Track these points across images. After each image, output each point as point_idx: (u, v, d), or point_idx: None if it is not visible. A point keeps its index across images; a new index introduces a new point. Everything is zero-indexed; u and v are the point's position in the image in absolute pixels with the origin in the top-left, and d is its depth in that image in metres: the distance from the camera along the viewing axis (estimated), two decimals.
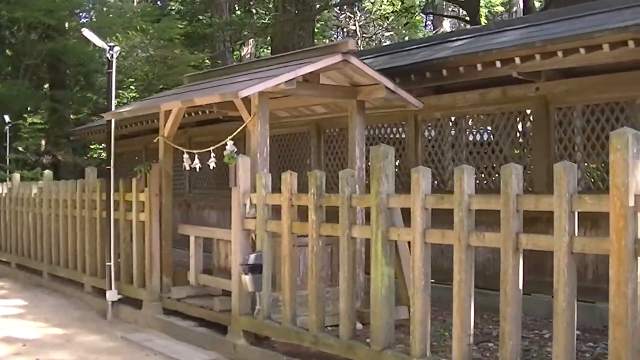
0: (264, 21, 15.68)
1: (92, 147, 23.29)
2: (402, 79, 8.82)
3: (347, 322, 6.33)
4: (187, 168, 8.94)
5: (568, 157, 8.37)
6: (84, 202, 10.78)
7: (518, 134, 8.92)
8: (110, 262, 9.54)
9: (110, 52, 9.48)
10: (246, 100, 7.90)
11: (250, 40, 23.47)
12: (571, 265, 4.69)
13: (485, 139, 9.28)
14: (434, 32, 25.40)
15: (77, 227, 11.07)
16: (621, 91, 7.79)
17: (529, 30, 8.70)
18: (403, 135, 10.43)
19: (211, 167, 8.54)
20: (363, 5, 25.30)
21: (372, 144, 10.84)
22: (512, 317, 5.01)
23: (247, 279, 7.23)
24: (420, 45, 10.29)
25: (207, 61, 23.21)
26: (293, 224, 6.95)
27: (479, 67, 8.35)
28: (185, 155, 8.90)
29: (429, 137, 10.06)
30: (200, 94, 7.94)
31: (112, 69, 9.52)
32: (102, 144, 22.68)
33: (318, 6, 16.05)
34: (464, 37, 9.61)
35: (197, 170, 9.01)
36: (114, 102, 9.65)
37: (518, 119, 8.90)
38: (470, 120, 9.44)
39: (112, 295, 9.53)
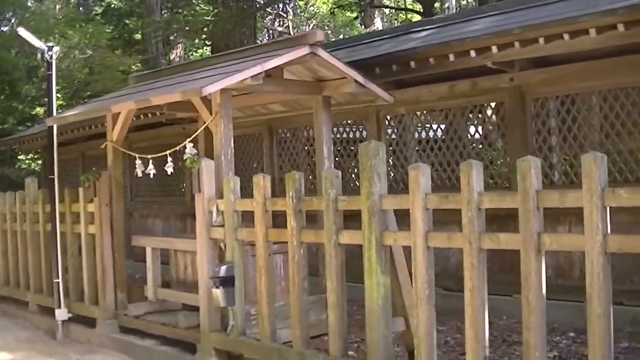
0: (203, 19, 14.96)
1: (19, 157, 22.06)
2: (365, 73, 8.28)
3: (337, 339, 5.74)
4: (140, 175, 8.21)
5: (547, 150, 8.00)
6: (25, 215, 9.90)
7: (491, 127, 8.49)
8: (58, 278, 8.73)
9: (49, 52, 8.68)
10: (205, 99, 7.25)
11: (179, 44, 22.67)
12: (606, 267, 4.22)
13: (455, 133, 8.83)
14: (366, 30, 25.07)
15: (18, 242, 10.19)
16: (604, 79, 7.44)
17: (499, 19, 8.31)
18: (364, 134, 9.91)
19: (169, 173, 7.84)
20: (295, 4, 24.76)
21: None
22: (537, 326, 4.51)
23: (218, 292, 6.58)
24: (382, 38, 9.80)
25: (138, 65, 22.28)
26: (269, 232, 6.34)
27: (451, 57, 7.89)
28: (138, 161, 8.17)
29: (393, 135, 9.56)
30: (157, 93, 7.24)
31: (51, 70, 8.71)
32: (31, 154, 21.50)
33: (262, 1, 15.44)
34: (429, 27, 9.16)
35: (140, 176, 8.30)
36: (54, 106, 8.83)
37: (491, 111, 8.48)
38: (438, 114, 8.97)
39: (61, 314, 8.73)
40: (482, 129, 8.61)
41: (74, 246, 9.06)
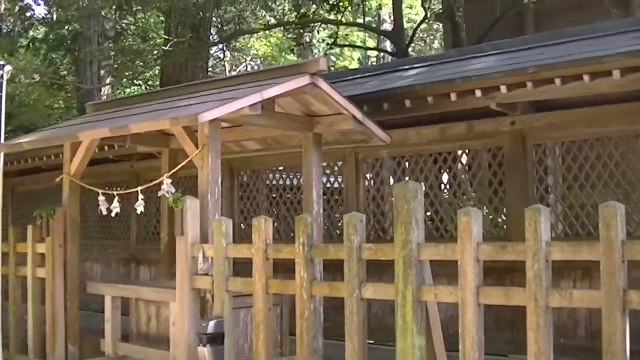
0: (154, 49, 14.01)
1: None
2: None
3: None
4: (104, 213, 7.26)
5: (550, 200, 7.47)
6: None
7: (487, 175, 7.92)
8: None
9: (0, 71, 7.67)
10: (189, 130, 6.44)
11: (107, 84, 21.57)
12: None
13: (444, 180, 8.23)
14: None
15: None
16: (617, 124, 6.99)
17: (501, 58, 7.79)
18: (339, 177, 9.21)
19: (138, 212, 6.92)
20: (233, 45, 24.02)
21: (298, 188, 9.59)
22: None
23: (206, 352, 5.68)
24: (366, 75, 9.17)
25: (68, 101, 21.04)
26: (269, 283, 5.51)
27: (453, 96, 7.30)
28: (101, 198, 7.22)
29: (373, 180, 8.88)
30: (137, 120, 6.34)
31: (1, 91, 7.69)
32: None
33: (217, 37, 14.67)
34: (419, 65, 8.58)
35: (104, 214, 7.37)
36: (2, 131, 7.78)
37: (486, 157, 7.91)
38: (425, 159, 8.34)
39: None
40: (477, 175, 8.03)
41: (17, 292, 7.97)
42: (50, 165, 11.66)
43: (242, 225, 10.07)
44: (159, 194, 6.69)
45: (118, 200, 7.07)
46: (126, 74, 19.95)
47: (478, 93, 7.18)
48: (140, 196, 6.81)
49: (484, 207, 7.92)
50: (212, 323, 5.70)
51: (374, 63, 25.89)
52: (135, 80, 20.98)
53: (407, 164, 8.54)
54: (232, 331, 5.83)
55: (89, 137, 6.79)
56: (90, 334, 7.75)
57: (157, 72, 22.52)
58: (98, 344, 7.46)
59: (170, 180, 6.55)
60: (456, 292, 4.49)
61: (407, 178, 8.55)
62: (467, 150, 8.06)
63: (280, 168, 10.00)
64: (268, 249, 5.51)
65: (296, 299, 5.28)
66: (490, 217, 7.91)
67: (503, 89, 7.02)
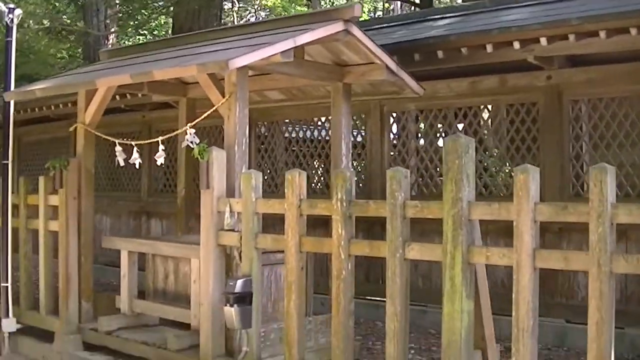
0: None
1: None
2: None
3: None
4: (122, 164, 6.94)
5: (588, 158, 7.17)
6: None
7: (518, 131, 7.59)
8: (7, 282, 7.31)
9: (10, 15, 7.29)
10: (214, 78, 6.09)
11: (112, 34, 20.99)
12: None
13: (475, 135, 7.89)
14: None
15: None
16: None
17: (538, 9, 7.41)
18: (363, 131, 8.88)
19: (159, 164, 6.60)
20: None
21: (319, 142, 9.27)
22: None
23: (233, 312, 5.41)
24: (393, 24, 8.78)
25: (75, 50, 20.50)
26: (303, 240, 5.22)
27: (489, 48, 6.96)
28: (119, 148, 6.89)
29: (397, 134, 8.56)
30: (162, 66, 5.98)
31: (11, 37, 7.33)
32: None
33: None
34: (450, 15, 8.19)
35: (122, 166, 7.07)
36: (12, 79, 7.42)
37: (520, 112, 7.58)
38: (455, 113, 8.01)
39: (9, 324, 7.33)
40: (508, 131, 7.70)
41: (28, 245, 7.71)
42: (58, 114, 11.33)
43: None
44: (182, 144, 6.36)
45: (137, 151, 6.73)
46: (131, 23, 19.43)
47: (516, 45, 6.84)
48: (161, 147, 6.48)
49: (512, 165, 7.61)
50: (239, 282, 5.42)
51: (381, 16, 25.26)
52: (140, 30, 20.44)
53: (435, 117, 8.21)
54: (261, 291, 5.57)
55: (108, 84, 6.44)
56: (100, 288, 7.50)
57: (162, 22, 21.97)
58: (112, 300, 7.22)
59: (194, 130, 6.22)
60: (510, 254, 4.20)
61: (434, 132, 8.23)
62: (498, 105, 7.71)
63: (301, 120, 9.65)
64: (302, 204, 5.21)
65: (332, 258, 5.00)
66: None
67: (543, 41, 6.68)
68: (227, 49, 5.96)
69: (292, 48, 5.67)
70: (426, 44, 7.26)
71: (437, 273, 8.25)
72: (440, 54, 7.25)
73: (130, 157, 6.79)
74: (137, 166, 6.89)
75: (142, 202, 10.97)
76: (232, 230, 5.75)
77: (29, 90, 7.06)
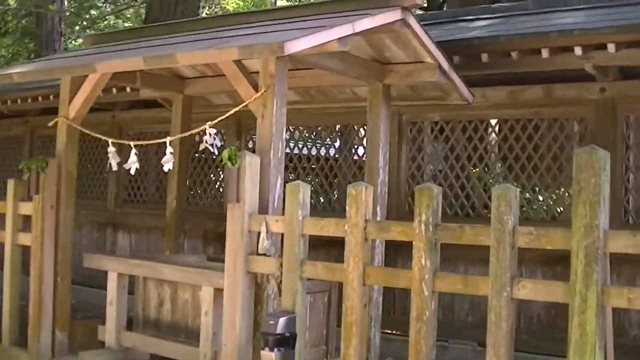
0: None
1: None
2: None
3: None
4: (115, 168, 5.81)
5: None
6: None
7: (562, 148, 6.75)
8: None
9: None
10: (243, 68, 5.05)
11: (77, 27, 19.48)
12: None
13: (511, 151, 6.99)
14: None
15: None
16: None
17: (592, 13, 6.59)
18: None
19: (166, 170, 5.50)
20: None
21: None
22: None
23: (274, 357, 4.34)
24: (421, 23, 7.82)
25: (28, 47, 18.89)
26: (367, 271, 4.21)
27: (545, 53, 6.09)
28: (112, 149, 5.76)
29: (418, 146, 7.59)
30: (188, 49, 4.87)
31: None
32: None
33: None
34: (487, 16, 7.29)
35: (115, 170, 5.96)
36: None
37: (565, 128, 6.74)
38: (488, 125, 7.11)
39: None
40: (550, 148, 6.84)
41: None
42: (13, 111, 10.02)
43: None
44: (201, 146, 5.27)
45: (135, 153, 5.62)
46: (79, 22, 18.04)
47: (577, 50, 5.97)
48: (170, 150, 5.38)
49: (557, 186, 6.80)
50: (282, 321, 4.36)
51: None
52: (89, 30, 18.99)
53: (463, 129, 7.28)
54: (305, 331, 4.53)
55: (112, 69, 5.31)
56: (76, 315, 6.32)
57: (111, 22, 20.50)
58: (93, 330, 6.06)
59: (214, 130, 5.15)
60: None
61: (461, 146, 7.30)
62: (541, 118, 6.85)
63: (310, 127, 8.57)
64: (369, 227, 4.21)
65: (412, 295, 4.01)
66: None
67: (611, 47, 5.84)
68: (270, 32, 4.92)
69: (350, 35, 4.69)
70: (470, 44, 6.33)
71: (460, 304, 7.42)
72: (484, 57, 6.34)
73: (123, 161, 5.69)
74: (132, 172, 5.74)
75: (109, 213, 9.70)
76: (264, 254, 4.69)
77: (5, 74, 5.84)
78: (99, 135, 5.84)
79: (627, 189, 6.47)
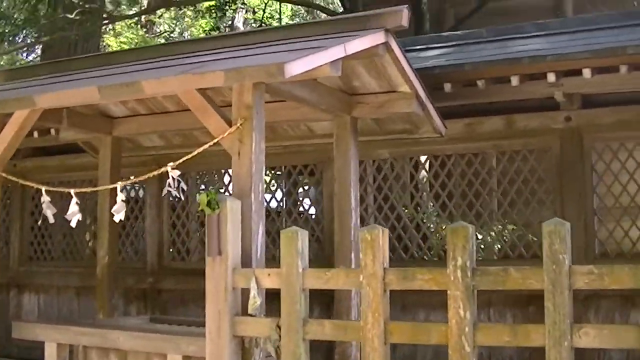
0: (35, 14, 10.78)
1: None
2: None
3: None
4: (52, 220, 4.97)
5: (618, 212, 6.12)
6: None
7: (527, 182, 6.43)
8: None
9: None
10: (206, 98, 4.38)
11: None
12: None
13: (470, 187, 6.60)
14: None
15: None
16: None
17: (552, 40, 6.32)
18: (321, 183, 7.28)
19: (117, 220, 4.73)
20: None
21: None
22: None
23: None
24: None
25: None
26: (389, 328, 3.61)
27: (514, 80, 5.79)
28: (46, 198, 4.92)
29: (366, 186, 7.07)
30: (154, 75, 4.13)
31: None
32: None
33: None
34: (439, 45, 6.84)
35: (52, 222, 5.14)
36: None
37: (529, 159, 6.42)
38: (448, 160, 6.69)
39: None
40: (513, 181, 6.50)
41: None
42: None
43: (174, 244, 7.89)
44: (163, 192, 4.53)
45: (77, 203, 4.80)
46: None
47: (551, 77, 5.71)
48: (121, 197, 4.61)
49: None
50: None
51: None
52: None
53: (416, 166, 6.85)
54: None
55: (57, 102, 4.50)
56: None
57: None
58: None
59: (179, 172, 4.43)
60: None
61: (417, 184, 6.85)
62: (502, 151, 6.51)
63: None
64: (389, 276, 3.62)
65: (450, 351, 3.44)
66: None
67: (586, 72, 5.59)
68: (234, 57, 4.28)
69: (342, 58, 4.13)
70: (431, 74, 5.89)
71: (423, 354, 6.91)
72: (447, 87, 5.97)
73: (60, 211, 4.86)
74: (73, 224, 4.90)
75: (11, 272, 8.61)
76: (252, 315, 4.00)
77: None
78: (30, 183, 4.97)
79: (600, 221, 6.20)
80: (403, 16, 4.56)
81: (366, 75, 5.05)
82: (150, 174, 4.56)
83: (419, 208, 6.87)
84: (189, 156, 4.40)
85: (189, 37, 21.26)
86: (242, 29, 19.83)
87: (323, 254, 6.92)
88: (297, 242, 3.84)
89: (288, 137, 6.17)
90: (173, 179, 4.41)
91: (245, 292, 4.05)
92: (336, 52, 4.04)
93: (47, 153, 8.49)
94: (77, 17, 10.02)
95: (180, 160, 4.41)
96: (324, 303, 6.28)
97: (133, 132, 6.23)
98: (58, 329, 5.04)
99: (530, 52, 6.05)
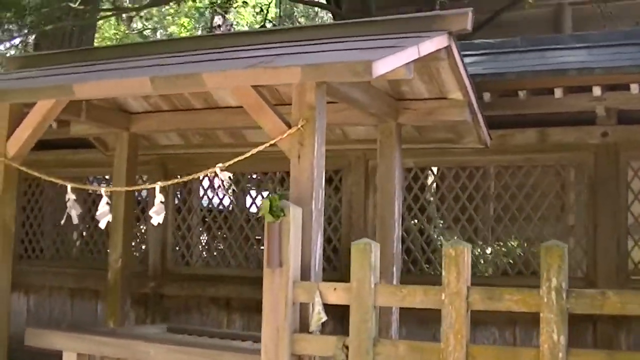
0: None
1: None
2: None
3: None
4: (76, 221, 4.61)
5: None
6: None
7: (559, 197, 6.24)
8: None
9: None
10: (262, 96, 4.09)
11: None
12: None
13: (500, 202, 6.38)
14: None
15: None
16: None
17: (593, 52, 6.13)
18: (339, 190, 6.99)
19: (102, 227, 4.41)
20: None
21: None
22: None
23: None
24: None
25: None
26: (473, 351, 3.36)
27: (558, 93, 5.59)
28: (72, 196, 4.56)
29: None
30: (218, 67, 3.81)
31: None
32: None
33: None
34: (470, 53, 6.63)
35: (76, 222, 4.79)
36: None
37: (561, 175, 6.23)
38: (472, 173, 6.47)
39: None
40: (545, 197, 6.31)
41: None
42: None
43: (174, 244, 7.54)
44: (218, 189, 4.21)
45: (108, 203, 4.45)
46: None
47: (596, 91, 5.52)
48: (160, 199, 4.27)
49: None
50: None
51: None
52: None
53: (442, 177, 6.62)
54: None
55: (99, 93, 4.14)
56: None
57: None
58: None
59: (229, 174, 4.12)
60: None
61: (443, 195, 6.62)
62: (534, 165, 6.31)
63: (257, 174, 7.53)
64: (472, 295, 3.36)
65: None
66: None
67: (634, 87, 5.42)
68: (298, 53, 3.99)
69: (414, 60, 3.87)
70: (473, 82, 5.67)
71: None
72: (487, 96, 5.75)
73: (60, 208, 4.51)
74: (102, 225, 4.55)
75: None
76: (306, 332, 3.71)
77: None
78: (54, 179, 4.60)
79: (635, 241, 6.03)
80: (468, 19, 4.32)
81: (417, 79, 4.78)
82: (197, 175, 4.22)
83: (441, 222, 6.67)
84: (241, 157, 4.09)
85: (165, 36, 20.88)
86: (221, 30, 19.47)
87: (340, 264, 6.66)
88: (369, 255, 3.57)
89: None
90: (222, 181, 4.09)
91: (304, 308, 3.76)
92: (411, 53, 3.78)
93: (42, 147, 8.06)
94: (77, 7, 9.57)
95: (231, 162, 4.10)
96: (337, 317, 6.05)
97: (153, 128, 5.88)
98: (79, 338, 4.66)
99: (573, 64, 5.87)
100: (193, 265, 7.45)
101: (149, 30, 21.61)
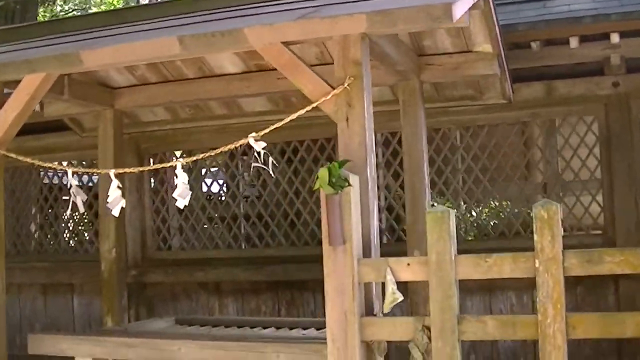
0: None
1: None
2: None
3: None
4: (82, 209, 4.10)
5: None
6: None
7: (568, 152, 6.00)
8: None
9: None
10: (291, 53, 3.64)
11: None
12: None
13: (506, 159, 6.09)
14: None
15: None
16: None
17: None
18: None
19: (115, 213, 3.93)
20: None
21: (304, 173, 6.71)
22: None
23: None
24: None
25: None
26: (572, 321, 3.04)
27: (574, 42, 5.32)
28: (73, 182, 4.04)
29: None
30: (262, 21, 3.31)
31: None
32: None
33: None
34: None
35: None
36: None
37: (575, 128, 5.99)
38: (476, 132, 6.14)
39: None
40: (557, 152, 6.06)
41: None
42: None
43: (155, 231, 7.02)
44: (253, 165, 3.75)
45: (119, 187, 3.94)
46: None
47: (614, 38, 5.27)
48: (182, 179, 3.80)
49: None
50: None
51: None
52: None
53: (444, 137, 6.27)
54: None
55: (111, 58, 3.57)
56: None
57: None
58: None
59: (264, 144, 3.66)
60: None
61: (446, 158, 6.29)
62: (543, 120, 6.04)
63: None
64: (569, 259, 3.03)
65: None
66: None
67: None
68: (345, 2, 3.54)
69: (471, 7, 3.48)
70: None
71: None
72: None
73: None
74: (115, 213, 4.04)
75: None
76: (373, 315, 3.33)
77: None
78: (50, 165, 4.04)
79: None
80: None
81: (443, 32, 4.41)
82: (226, 147, 3.74)
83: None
84: (278, 124, 3.64)
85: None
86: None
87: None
88: (447, 224, 3.19)
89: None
90: (258, 153, 3.64)
91: (369, 288, 3.37)
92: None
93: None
94: None
95: (266, 130, 3.64)
96: None
97: (140, 103, 5.36)
98: (94, 341, 4.13)
99: (581, 11, 5.58)
100: (176, 250, 6.95)
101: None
